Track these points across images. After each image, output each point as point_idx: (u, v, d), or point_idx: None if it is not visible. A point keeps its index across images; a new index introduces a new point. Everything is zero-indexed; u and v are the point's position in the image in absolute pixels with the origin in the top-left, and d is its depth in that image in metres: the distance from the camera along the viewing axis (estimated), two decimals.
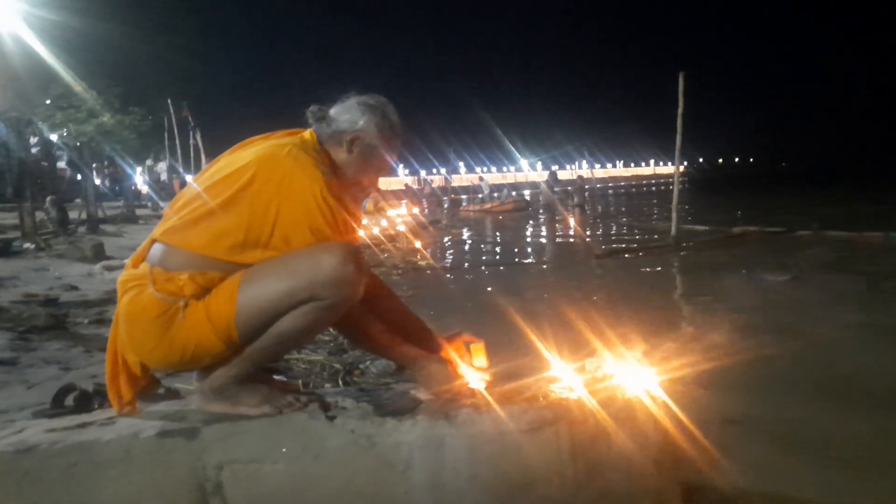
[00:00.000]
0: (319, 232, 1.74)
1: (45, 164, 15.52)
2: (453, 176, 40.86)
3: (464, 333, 2.16)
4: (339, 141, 1.94)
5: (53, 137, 20.22)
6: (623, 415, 1.90)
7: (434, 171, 47.39)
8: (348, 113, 1.95)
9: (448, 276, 7.95)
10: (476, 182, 35.93)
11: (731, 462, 2.27)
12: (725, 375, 3.20)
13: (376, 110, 1.96)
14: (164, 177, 24.37)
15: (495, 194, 28.95)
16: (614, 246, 10.39)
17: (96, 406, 2.21)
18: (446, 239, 13.44)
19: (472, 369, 2.05)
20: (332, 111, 1.97)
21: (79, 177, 17.36)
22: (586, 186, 21.67)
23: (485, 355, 2.09)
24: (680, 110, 9.99)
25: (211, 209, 1.76)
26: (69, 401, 2.28)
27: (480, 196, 29.05)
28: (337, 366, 3.36)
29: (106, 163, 21.95)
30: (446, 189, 32.64)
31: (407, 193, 24.03)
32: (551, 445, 1.85)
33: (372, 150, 1.96)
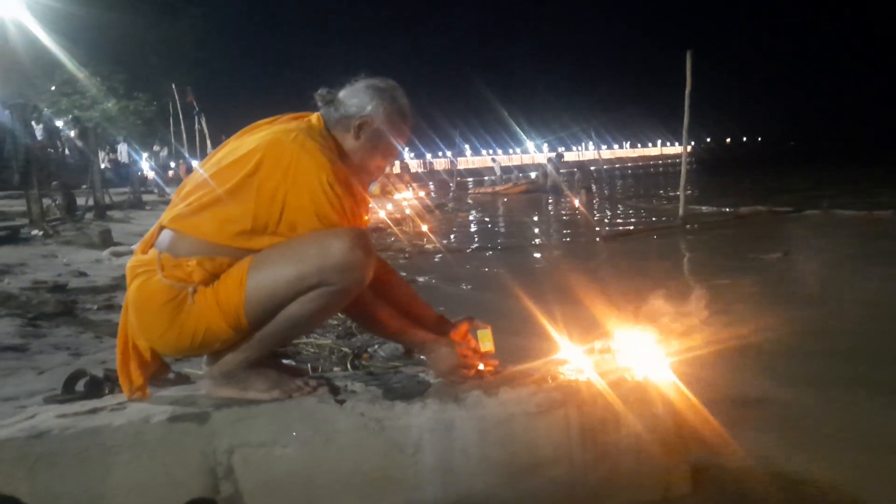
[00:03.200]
0: (326, 218, 1.74)
1: (51, 150, 15.50)
2: (459, 159, 40.71)
3: (471, 318, 2.15)
4: (347, 126, 1.92)
5: (59, 124, 20.21)
6: (632, 396, 1.90)
7: (440, 153, 47.21)
8: (356, 97, 1.93)
9: (455, 259, 7.95)
10: (483, 164, 35.75)
11: (740, 443, 2.27)
12: (734, 356, 3.19)
13: (385, 94, 1.94)
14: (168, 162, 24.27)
15: (506, 176, 28.82)
16: (621, 228, 10.36)
17: (107, 391, 2.22)
18: (453, 222, 13.42)
19: (479, 354, 2.05)
20: (341, 94, 1.95)
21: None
22: (592, 168, 21.54)
23: (491, 340, 2.09)
24: (688, 89, 9.90)
25: (218, 196, 1.76)
26: (79, 386, 2.28)
27: (491, 178, 28.96)
28: (345, 350, 3.36)
29: (107, 148, 21.92)
30: (452, 172, 32.54)
31: (402, 176, 23.89)
32: (560, 427, 1.85)
33: (380, 136, 1.94)
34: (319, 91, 1.95)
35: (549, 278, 6.33)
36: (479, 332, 2.10)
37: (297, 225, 1.75)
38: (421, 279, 6.33)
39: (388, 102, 1.93)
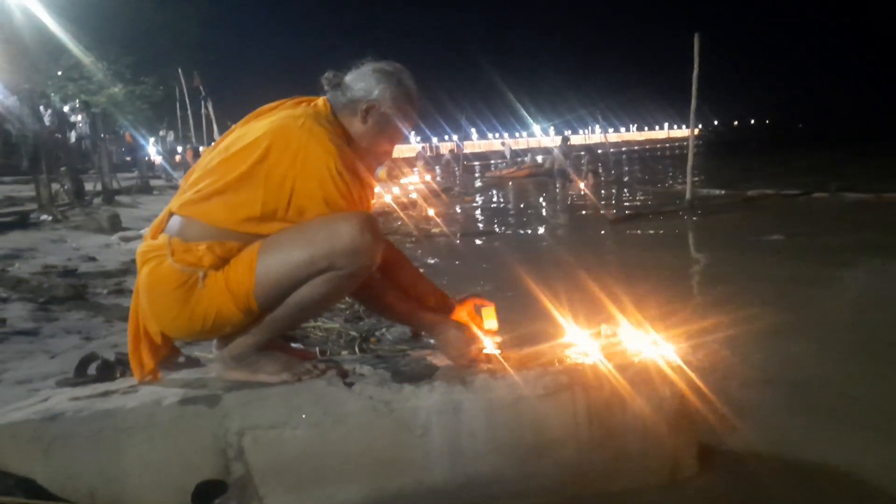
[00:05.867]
0: (334, 204, 1.75)
1: (59, 135, 15.45)
2: (465, 142, 40.51)
3: (476, 296, 2.16)
4: (354, 110, 1.92)
5: (66, 108, 20.18)
6: (639, 379, 1.92)
7: (446, 137, 47.05)
8: (363, 81, 1.92)
9: (461, 243, 7.95)
10: (490, 148, 35.50)
11: (746, 424, 2.28)
12: (740, 339, 3.19)
13: (392, 78, 1.93)
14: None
15: (518, 159, 28.67)
16: (629, 211, 10.33)
17: (118, 375, 2.25)
18: (459, 206, 13.41)
19: (482, 332, 2.07)
20: (347, 78, 1.94)
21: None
22: (599, 151, 21.40)
23: (495, 318, 2.10)
24: (695, 72, 9.84)
25: (227, 183, 1.76)
26: (91, 370, 2.31)
27: (500, 163, 28.86)
28: (353, 333, 3.38)
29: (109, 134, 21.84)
30: (458, 156, 32.42)
31: (419, 159, 23.96)
32: (567, 409, 1.87)
33: (387, 120, 1.94)
34: (326, 74, 1.95)
35: (556, 262, 6.33)
36: (484, 310, 2.11)
37: (306, 211, 1.76)
38: (427, 263, 6.35)
39: (395, 86, 1.93)
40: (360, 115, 1.92)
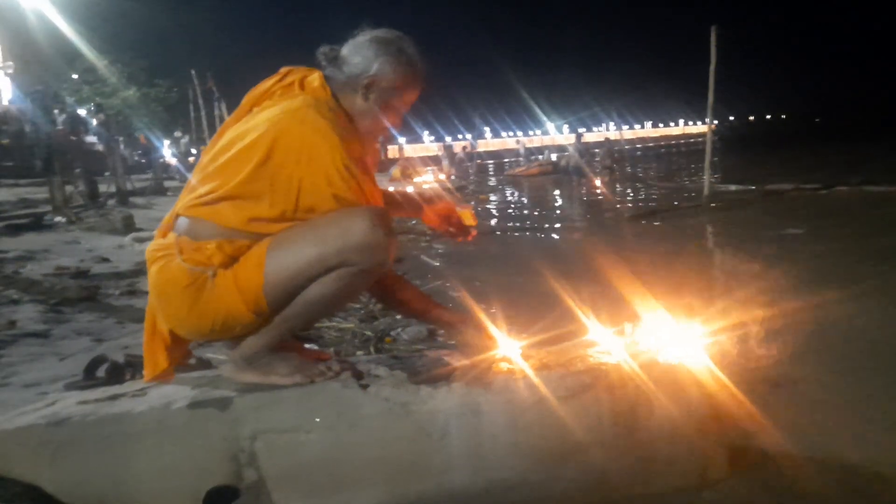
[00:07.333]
0: (344, 200, 1.69)
1: (74, 137, 15.46)
2: (479, 141, 40.50)
3: (454, 201, 2.14)
4: (354, 87, 1.82)
5: (82, 111, 20.33)
6: (664, 379, 1.85)
7: (459, 136, 47.05)
8: (360, 54, 1.82)
9: (478, 240, 7.86)
10: (504, 146, 35.46)
11: (777, 424, 2.21)
12: (768, 336, 3.10)
13: (391, 47, 1.82)
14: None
15: (533, 157, 28.66)
16: (646, 208, 10.22)
17: (128, 377, 2.21)
18: (474, 204, 13.34)
19: (460, 230, 2.13)
20: (344, 51, 1.84)
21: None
22: (615, 148, 21.29)
23: (472, 216, 2.15)
24: (712, 66, 9.70)
25: (233, 187, 1.70)
26: (101, 372, 2.27)
27: (519, 160, 28.87)
28: (368, 333, 3.33)
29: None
30: (472, 155, 32.39)
31: (444, 158, 24.00)
32: (591, 411, 1.80)
33: (390, 94, 1.84)
34: (322, 49, 1.85)
35: (576, 259, 6.25)
36: (462, 212, 2.14)
37: (316, 208, 1.70)
38: (443, 262, 6.28)
39: (395, 56, 1.82)
40: (361, 91, 1.82)
